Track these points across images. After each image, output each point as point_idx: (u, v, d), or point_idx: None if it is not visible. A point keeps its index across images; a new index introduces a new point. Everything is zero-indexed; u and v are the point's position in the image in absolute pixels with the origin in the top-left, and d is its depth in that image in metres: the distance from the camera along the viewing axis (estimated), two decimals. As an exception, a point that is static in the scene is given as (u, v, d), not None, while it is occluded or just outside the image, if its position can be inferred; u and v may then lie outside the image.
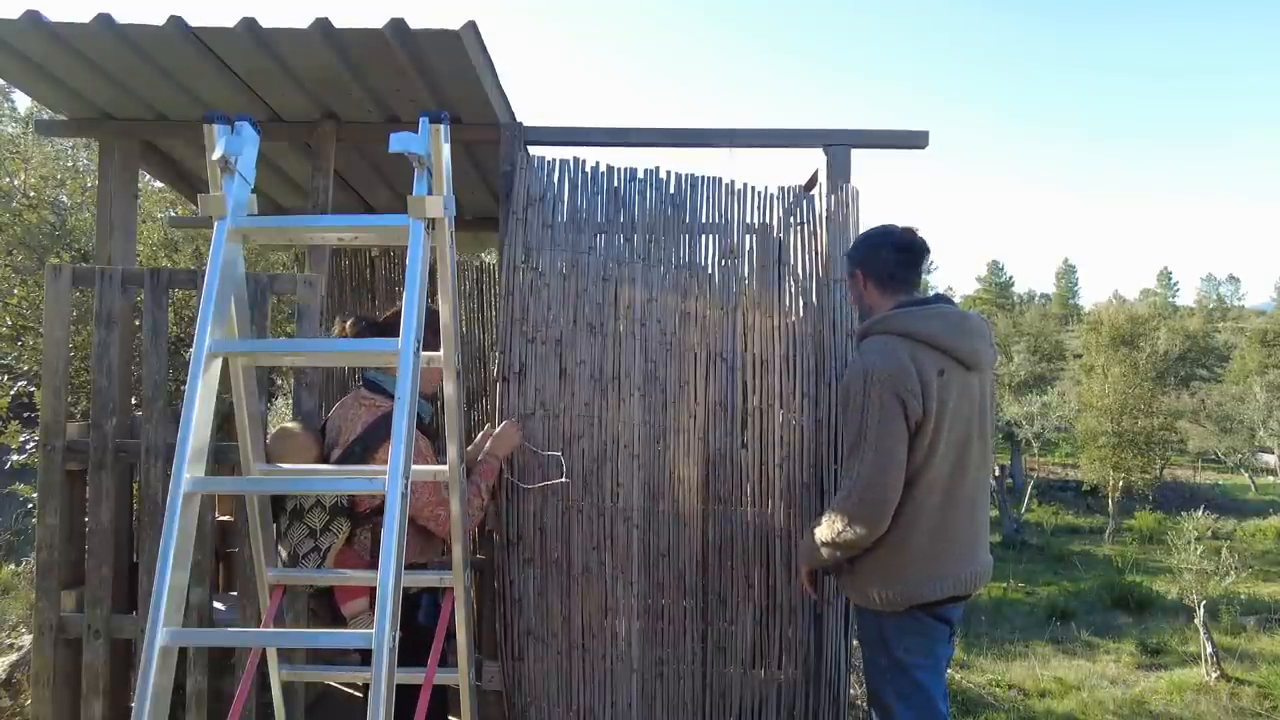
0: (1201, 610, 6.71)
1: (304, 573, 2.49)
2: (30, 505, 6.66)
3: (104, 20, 2.63)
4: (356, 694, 3.78)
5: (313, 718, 2.80)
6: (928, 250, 2.42)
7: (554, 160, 3.19)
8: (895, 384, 2.15)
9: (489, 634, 3.21)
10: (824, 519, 2.29)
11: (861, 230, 3.10)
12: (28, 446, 5.97)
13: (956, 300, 2.80)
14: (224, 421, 2.76)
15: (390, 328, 2.52)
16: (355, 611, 2.50)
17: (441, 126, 1.78)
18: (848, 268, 2.50)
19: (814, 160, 3.39)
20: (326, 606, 2.62)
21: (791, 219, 3.17)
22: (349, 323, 2.67)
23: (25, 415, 6.47)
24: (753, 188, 3.17)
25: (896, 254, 2.36)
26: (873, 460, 2.13)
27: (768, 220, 3.17)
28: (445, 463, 2.23)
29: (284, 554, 2.47)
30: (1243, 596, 9.75)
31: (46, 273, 2.80)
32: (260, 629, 2.46)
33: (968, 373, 2.25)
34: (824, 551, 2.30)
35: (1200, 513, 9.86)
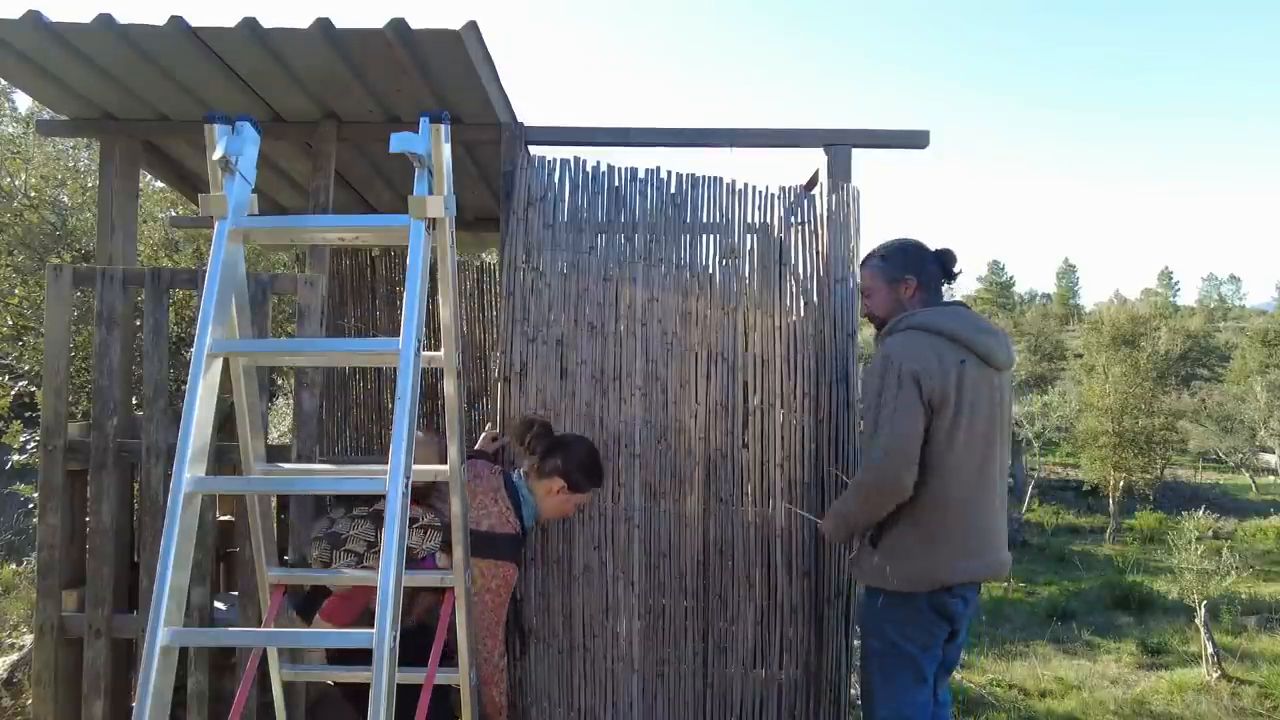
0: (1202, 610, 6.70)
1: (304, 573, 2.49)
2: (31, 505, 6.67)
3: (105, 20, 2.62)
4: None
5: (313, 718, 2.80)
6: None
7: (555, 160, 3.18)
8: (914, 367, 2.33)
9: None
10: (848, 492, 2.49)
11: (861, 232, 3.12)
12: (29, 446, 5.98)
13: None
14: (225, 421, 2.76)
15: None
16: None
17: (442, 126, 1.78)
18: (895, 273, 2.59)
19: (815, 160, 3.40)
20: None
21: (792, 219, 3.16)
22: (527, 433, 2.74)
23: (26, 415, 6.48)
24: (754, 187, 3.17)
25: (940, 269, 2.61)
26: (890, 433, 2.31)
27: (768, 220, 3.17)
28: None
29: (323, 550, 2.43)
30: (1243, 596, 9.73)
31: (47, 273, 2.80)
32: (261, 629, 2.46)
33: (987, 368, 2.43)
34: (844, 523, 2.51)
35: (1201, 512, 9.85)
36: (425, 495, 2.55)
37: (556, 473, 2.64)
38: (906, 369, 2.32)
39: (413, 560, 2.52)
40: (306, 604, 2.56)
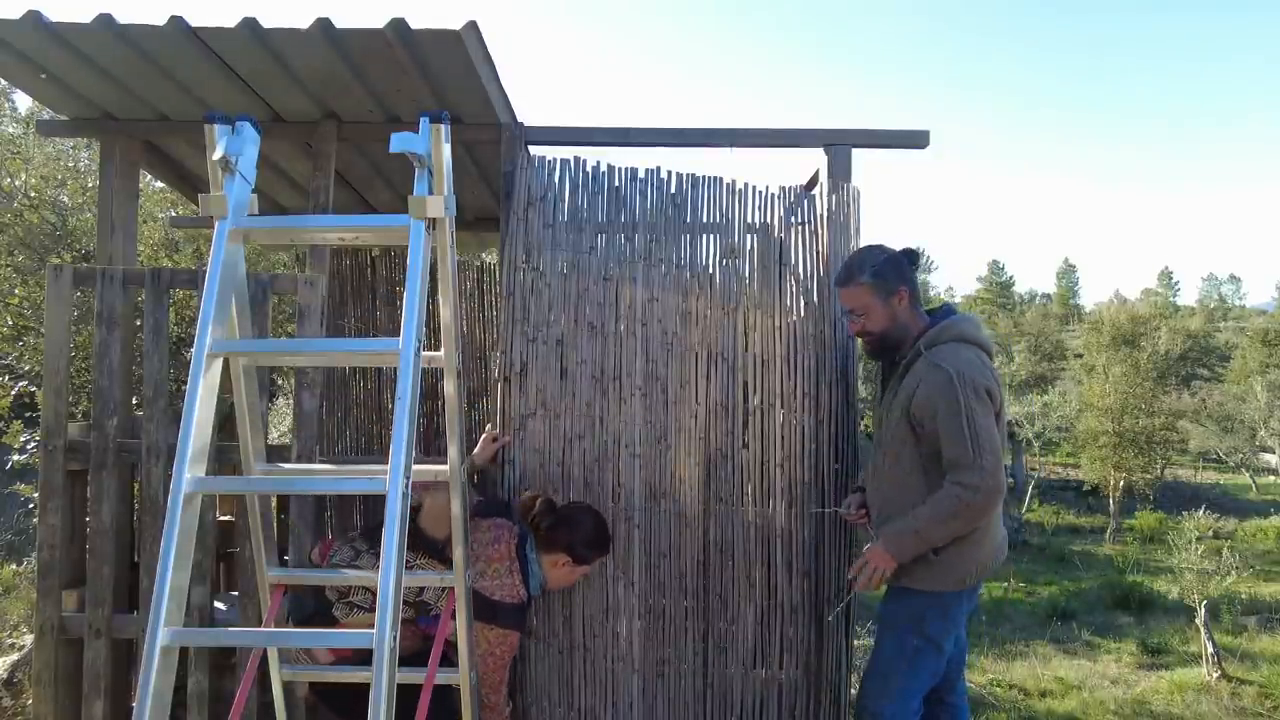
0: (1203, 610, 6.69)
1: (304, 572, 2.49)
2: (31, 505, 6.67)
3: (105, 20, 2.62)
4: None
5: (314, 718, 2.80)
6: None
7: (555, 160, 3.18)
8: (986, 382, 2.43)
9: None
10: (944, 514, 2.38)
11: (861, 232, 3.13)
12: (29, 446, 5.98)
13: (957, 300, 2.90)
14: (225, 421, 2.76)
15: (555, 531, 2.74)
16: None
17: (442, 126, 1.78)
18: (890, 286, 2.58)
19: (815, 160, 3.40)
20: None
21: (792, 219, 3.16)
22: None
23: (27, 415, 6.48)
24: (754, 187, 3.17)
25: (913, 271, 2.67)
26: (990, 451, 2.35)
27: (769, 220, 3.17)
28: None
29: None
30: (1244, 596, 9.73)
31: (48, 273, 2.80)
32: (261, 629, 2.46)
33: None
34: (932, 542, 2.43)
35: (1201, 512, 9.85)
36: (442, 550, 2.56)
37: (561, 548, 2.71)
38: (980, 384, 2.40)
39: (425, 614, 2.58)
40: (305, 626, 2.56)
